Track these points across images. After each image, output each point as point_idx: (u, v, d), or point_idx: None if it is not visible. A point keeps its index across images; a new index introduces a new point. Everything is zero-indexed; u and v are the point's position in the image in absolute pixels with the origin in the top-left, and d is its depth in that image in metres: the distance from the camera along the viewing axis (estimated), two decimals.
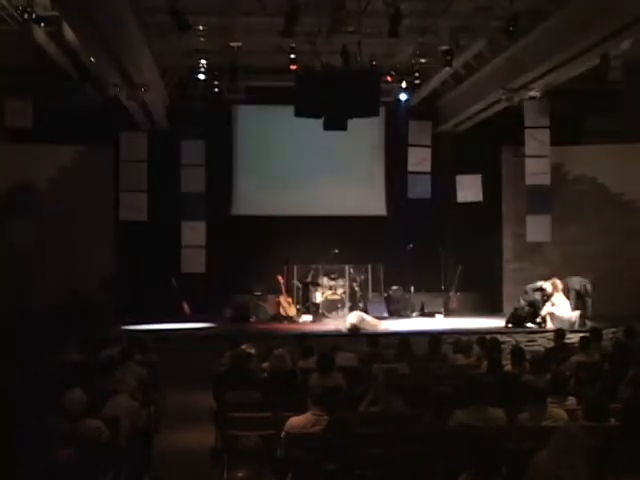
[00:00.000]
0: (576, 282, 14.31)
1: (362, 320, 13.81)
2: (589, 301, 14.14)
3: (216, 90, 15.55)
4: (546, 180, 15.96)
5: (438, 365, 9.08)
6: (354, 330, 13.35)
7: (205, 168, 16.31)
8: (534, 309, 13.92)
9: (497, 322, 14.62)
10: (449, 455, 5.40)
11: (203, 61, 14.21)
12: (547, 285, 13.94)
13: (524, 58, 12.54)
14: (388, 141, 17.41)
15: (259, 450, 5.13)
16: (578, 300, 14.13)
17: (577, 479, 4.71)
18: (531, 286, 14.30)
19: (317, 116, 12.71)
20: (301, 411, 6.09)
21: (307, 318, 15.52)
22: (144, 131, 15.99)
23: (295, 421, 5.98)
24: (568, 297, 14.08)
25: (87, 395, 6.06)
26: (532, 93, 13.88)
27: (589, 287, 14.17)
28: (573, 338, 11.13)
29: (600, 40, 10.76)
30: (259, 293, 15.99)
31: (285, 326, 14.93)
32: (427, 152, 17.00)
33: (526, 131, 15.78)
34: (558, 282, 13.93)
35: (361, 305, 15.76)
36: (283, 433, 5.91)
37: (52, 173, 16.19)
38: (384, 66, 14.84)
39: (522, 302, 14.12)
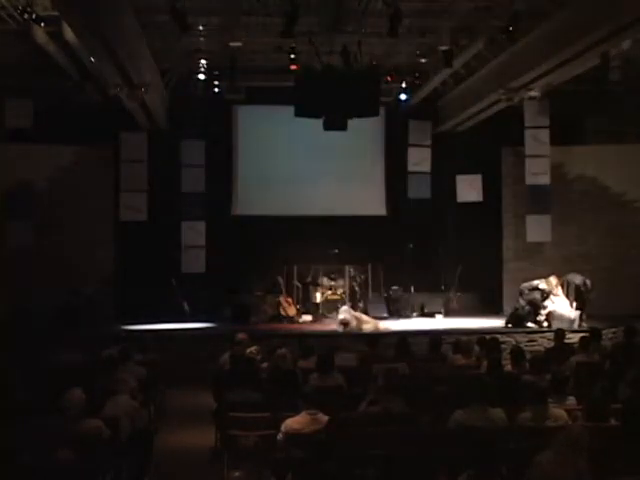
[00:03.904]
0: (577, 278, 14.30)
1: (352, 314, 13.81)
2: (588, 298, 14.10)
3: (216, 90, 15.55)
4: (546, 180, 15.97)
5: (438, 365, 9.08)
6: (344, 324, 13.31)
7: (205, 168, 16.31)
8: (534, 309, 13.91)
9: (497, 322, 14.61)
10: (449, 455, 5.40)
11: (203, 61, 14.20)
12: (543, 285, 13.94)
13: (524, 58, 12.53)
14: (388, 141, 17.40)
15: (259, 450, 5.13)
16: (578, 296, 14.10)
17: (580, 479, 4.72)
18: (526, 285, 14.28)
19: (317, 116, 12.71)
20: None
21: (307, 318, 15.51)
22: (144, 131, 15.99)
23: (291, 422, 5.98)
24: (567, 293, 14.08)
25: (87, 395, 6.06)
26: (532, 93, 13.88)
27: (589, 284, 14.15)
28: (573, 338, 11.14)
29: (600, 40, 10.76)
30: (259, 293, 15.98)
31: (285, 326, 14.92)
32: (427, 152, 17.00)
33: (526, 131, 15.79)
34: (553, 280, 13.93)
35: (361, 305, 15.76)
36: (280, 435, 5.90)
37: (52, 173, 16.18)
38: (384, 66, 14.84)
39: (521, 302, 14.10)
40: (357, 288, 16.11)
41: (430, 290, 16.65)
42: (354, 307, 15.39)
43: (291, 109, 12.75)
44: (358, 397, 6.89)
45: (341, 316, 13.72)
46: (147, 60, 12.83)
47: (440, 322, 15.41)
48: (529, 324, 13.86)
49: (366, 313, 14.70)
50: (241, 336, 9.48)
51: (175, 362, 11.31)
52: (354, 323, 13.47)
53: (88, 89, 14.63)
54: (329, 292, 15.76)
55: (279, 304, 15.60)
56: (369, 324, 13.78)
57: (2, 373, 7.89)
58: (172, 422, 9.30)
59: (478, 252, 16.43)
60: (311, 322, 15.33)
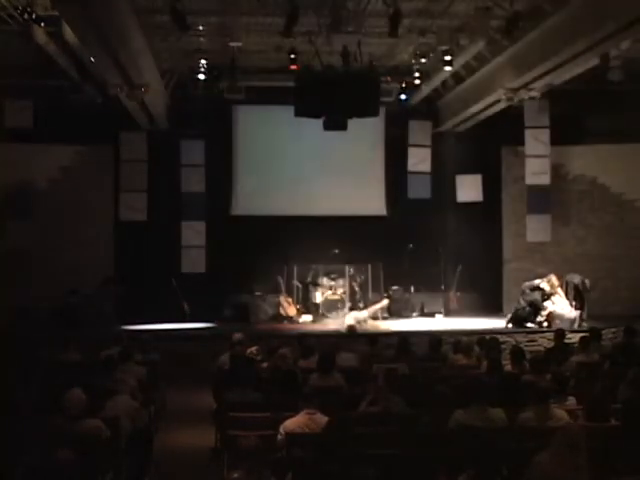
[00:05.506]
0: (575, 278, 14.32)
1: (360, 321, 13.86)
2: (587, 298, 14.11)
3: (216, 90, 15.55)
4: (546, 180, 15.98)
5: (438, 365, 9.09)
6: (352, 330, 13.34)
7: (205, 168, 16.32)
8: (534, 309, 13.91)
9: (497, 322, 14.61)
10: (449, 455, 5.40)
11: (203, 61, 14.19)
12: (544, 284, 13.94)
13: (524, 58, 12.53)
14: (388, 141, 17.39)
15: (259, 450, 5.12)
16: (577, 295, 14.12)
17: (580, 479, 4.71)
18: (528, 284, 14.29)
19: (317, 116, 12.70)
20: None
21: (307, 318, 15.51)
22: (144, 131, 16.00)
23: (291, 422, 5.97)
24: (567, 292, 14.09)
25: (87, 395, 6.06)
26: (532, 93, 13.87)
27: (588, 283, 14.17)
28: (573, 338, 11.14)
29: (600, 40, 10.76)
30: (259, 293, 15.98)
31: (285, 326, 14.93)
32: (427, 152, 17.01)
33: (526, 131, 15.80)
34: (554, 279, 13.93)
35: (361, 305, 15.75)
36: (280, 435, 5.90)
37: (52, 173, 16.21)
38: (384, 66, 14.84)
39: (522, 302, 14.10)
40: (357, 288, 16.09)
41: (430, 290, 16.64)
42: (354, 307, 15.43)
43: (291, 109, 12.74)
44: (358, 397, 6.89)
45: (350, 322, 13.72)
46: (147, 60, 12.83)
47: (440, 322, 15.41)
48: (529, 324, 13.87)
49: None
50: (238, 336, 9.47)
51: (175, 362, 11.31)
52: (359, 328, 13.53)
53: (88, 89, 14.63)
54: (329, 292, 15.75)
55: (279, 304, 15.60)
56: (371, 326, 13.86)
57: (2, 373, 7.89)
58: (172, 422, 9.29)
59: (478, 252, 16.44)
60: (311, 322, 15.33)
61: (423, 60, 13.87)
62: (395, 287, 16.26)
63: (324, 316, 15.47)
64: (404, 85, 15.73)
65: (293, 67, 13.24)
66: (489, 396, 6.33)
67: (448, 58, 12.90)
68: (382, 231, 16.63)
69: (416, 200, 16.76)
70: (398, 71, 15.30)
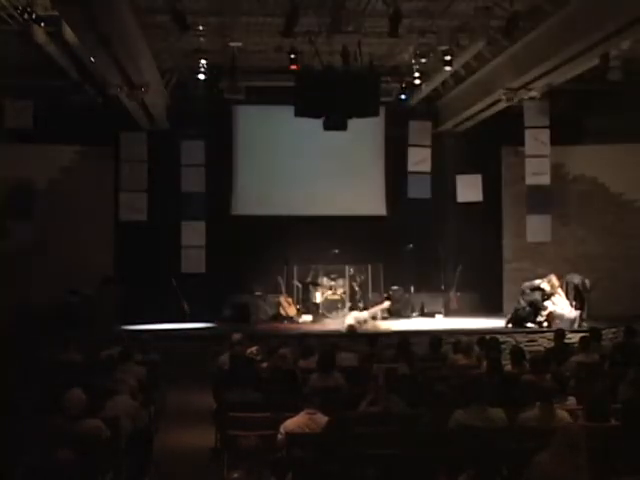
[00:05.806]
0: (575, 278, 14.34)
1: (360, 321, 13.88)
2: (587, 298, 14.13)
3: (216, 90, 15.55)
4: (546, 180, 15.98)
5: (438, 365, 9.09)
6: (352, 330, 13.36)
7: (205, 168, 16.32)
8: (535, 309, 13.91)
9: (497, 322, 14.61)
10: (449, 455, 5.40)
11: (203, 61, 14.20)
12: (545, 285, 13.94)
13: (524, 58, 12.54)
14: (388, 141, 17.39)
15: (259, 450, 5.13)
16: (577, 295, 14.14)
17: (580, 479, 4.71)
18: (528, 284, 14.29)
19: (317, 116, 12.71)
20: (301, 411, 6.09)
21: (307, 318, 15.51)
22: (144, 131, 16.00)
23: (291, 422, 5.97)
24: (567, 292, 14.10)
25: (87, 395, 6.05)
26: (532, 93, 13.88)
27: (588, 283, 14.18)
28: (573, 338, 11.14)
29: (600, 40, 10.76)
30: (259, 293, 15.99)
31: (285, 326, 14.93)
32: (427, 152, 17.01)
33: (526, 131, 15.80)
34: (554, 279, 13.94)
35: (361, 305, 15.75)
36: (280, 435, 5.90)
37: (52, 173, 16.21)
38: (384, 66, 14.85)
39: (522, 302, 14.10)
40: (357, 288, 16.11)
41: (430, 290, 16.65)
42: (354, 307, 15.43)
43: (291, 109, 12.75)
44: (358, 397, 6.89)
45: (350, 322, 13.73)
46: (147, 60, 12.83)
47: (440, 322, 15.42)
48: (529, 324, 13.87)
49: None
50: (237, 336, 9.48)
51: (175, 362, 11.30)
52: (359, 328, 13.54)
53: (88, 89, 14.63)
54: (329, 292, 15.76)
55: (279, 304, 15.61)
56: (371, 326, 13.87)
57: (2, 373, 7.89)
58: (172, 422, 9.29)
59: (478, 252, 16.44)
60: (311, 322, 15.33)
61: (423, 60, 13.87)
62: (395, 287, 16.26)
63: (324, 316, 15.48)
64: (404, 85, 15.71)
65: (293, 67, 13.23)
66: (489, 396, 6.32)
67: (448, 58, 12.90)
68: (382, 231, 16.63)
69: (416, 200, 16.75)
70: (398, 71, 15.30)
